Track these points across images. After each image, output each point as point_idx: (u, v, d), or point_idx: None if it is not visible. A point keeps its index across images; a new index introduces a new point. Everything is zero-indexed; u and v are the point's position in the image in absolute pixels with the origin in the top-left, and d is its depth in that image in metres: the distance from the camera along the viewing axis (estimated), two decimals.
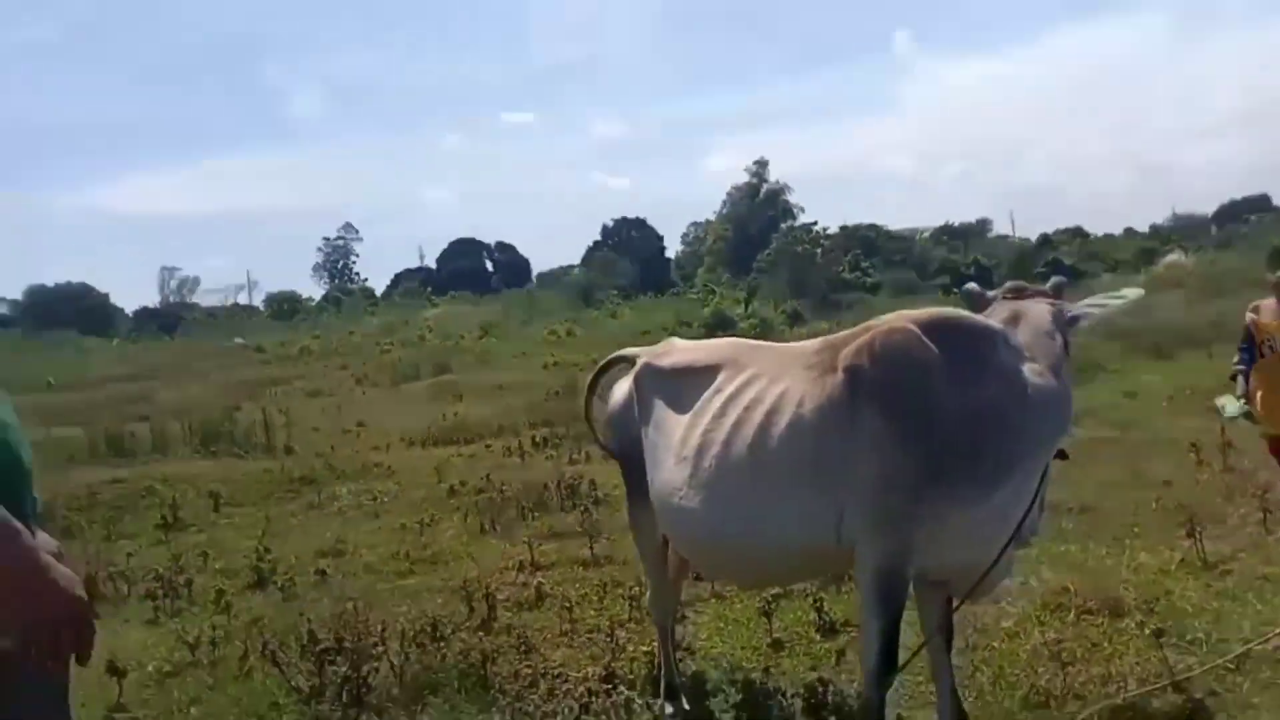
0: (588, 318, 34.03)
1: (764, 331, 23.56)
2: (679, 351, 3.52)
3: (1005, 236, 54.80)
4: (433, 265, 60.44)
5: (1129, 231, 49.13)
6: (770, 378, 3.09)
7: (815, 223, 46.81)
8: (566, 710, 3.54)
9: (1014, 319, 2.91)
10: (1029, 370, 2.78)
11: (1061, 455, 2.85)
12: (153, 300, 57.85)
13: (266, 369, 25.48)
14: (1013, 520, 2.76)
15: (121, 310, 53.35)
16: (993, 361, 2.79)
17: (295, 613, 4.71)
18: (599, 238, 59.36)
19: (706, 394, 3.21)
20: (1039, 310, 2.92)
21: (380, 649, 3.96)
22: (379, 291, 55.90)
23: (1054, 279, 3.18)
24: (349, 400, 17.36)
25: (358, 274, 63.82)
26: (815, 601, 4.35)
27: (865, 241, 44.91)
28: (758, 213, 51.90)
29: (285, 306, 48.51)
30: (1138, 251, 37.12)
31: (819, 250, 41.01)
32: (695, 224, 62.64)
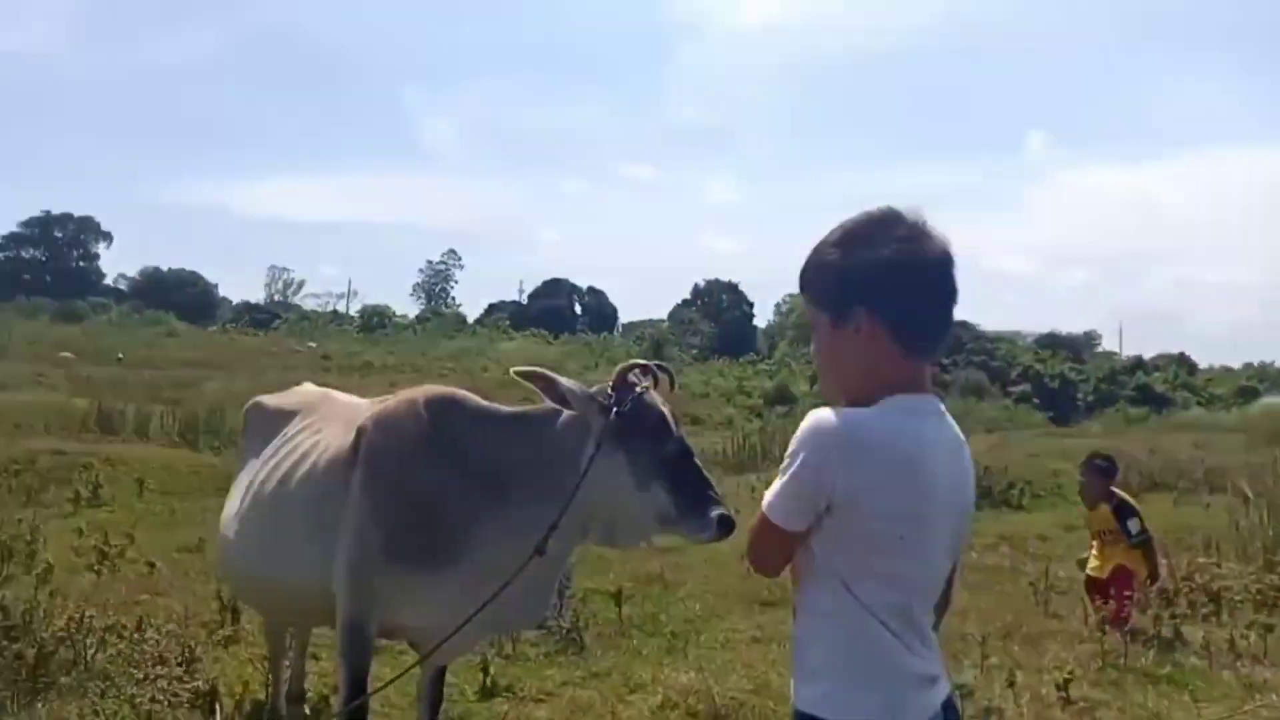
0: None
1: None
2: (283, 395, 3.72)
3: (1112, 353, 52.50)
4: (524, 300, 61.69)
5: (1246, 366, 46.35)
6: (321, 427, 3.21)
7: None
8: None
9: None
10: (521, 463, 2.79)
11: (539, 551, 2.66)
12: (258, 296, 60.74)
13: (324, 376, 26.31)
14: (480, 595, 2.67)
15: (227, 301, 56.23)
16: (480, 448, 2.85)
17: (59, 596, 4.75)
18: (688, 296, 59.63)
19: (277, 437, 3.35)
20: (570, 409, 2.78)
21: (72, 636, 3.98)
22: (471, 318, 57.40)
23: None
24: None
25: (453, 298, 65.69)
26: (483, 664, 4.31)
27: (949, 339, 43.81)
28: None
29: (375, 319, 50.18)
30: (1236, 389, 35.05)
31: None
32: (791, 294, 62.28)
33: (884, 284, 1.57)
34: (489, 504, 2.79)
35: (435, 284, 66.87)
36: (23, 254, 61.20)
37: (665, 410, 2.72)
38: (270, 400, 3.71)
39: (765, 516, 1.57)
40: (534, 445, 2.81)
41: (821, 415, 1.56)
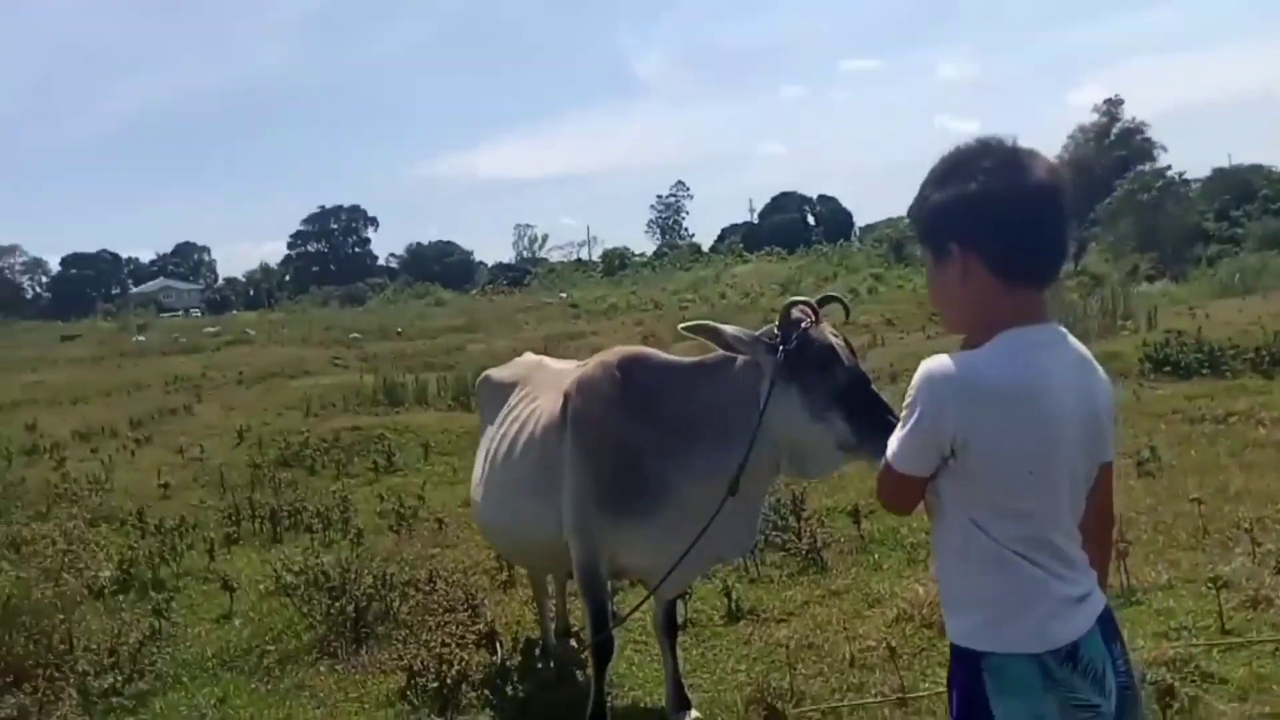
0: (892, 275, 32.83)
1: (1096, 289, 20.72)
2: (506, 368, 4.15)
3: None
4: (755, 220, 61.27)
5: None
6: (536, 395, 3.55)
7: (1168, 167, 40.82)
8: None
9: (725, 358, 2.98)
10: (706, 409, 2.98)
11: (732, 491, 2.84)
12: (508, 256, 64.68)
13: (574, 324, 27.73)
14: (688, 534, 2.89)
15: (483, 264, 60.40)
16: (668, 399, 3.07)
17: (368, 556, 5.56)
18: None
19: (504, 406, 3.74)
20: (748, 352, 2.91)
21: (379, 592, 4.68)
22: (706, 247, 57.92)
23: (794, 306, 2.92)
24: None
25: (686, 229, 66.55)
26: (726, 589, 4.53)
27: (1241, 186, 38.50)
28: (1105, 156, 46.41)
29: (616, 262, 51.98)
30: None
31: (1174, 196, 35.95)
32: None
33: (971, 218, 1.58)
34: (681, 451, 3.02)
35: (668, 218, 68.07)
36: (308, 249, 68.71)
37: (834, 341, 2.79)
38: (496, 373, 4.16)
39: (889, 464, 1.65)
40: (714, 391, 2.98)
41: (934, 364, 1.60)
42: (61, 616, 4.61)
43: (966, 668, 1.59)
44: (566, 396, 3.31)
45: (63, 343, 27.52)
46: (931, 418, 1.57)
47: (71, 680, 4.03)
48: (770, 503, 5.70)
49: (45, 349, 25.73)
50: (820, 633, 4.09)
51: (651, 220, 68.51)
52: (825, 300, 3.10)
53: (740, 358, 2.93)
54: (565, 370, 3.67)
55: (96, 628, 4.72)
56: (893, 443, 1.65)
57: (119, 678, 4.13)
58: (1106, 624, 1.63)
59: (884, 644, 3.62)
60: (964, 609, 1.63)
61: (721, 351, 2.98)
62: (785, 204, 61.17)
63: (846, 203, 62.47)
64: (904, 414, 1.63)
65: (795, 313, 2.84)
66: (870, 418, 2.67)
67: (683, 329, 3.02)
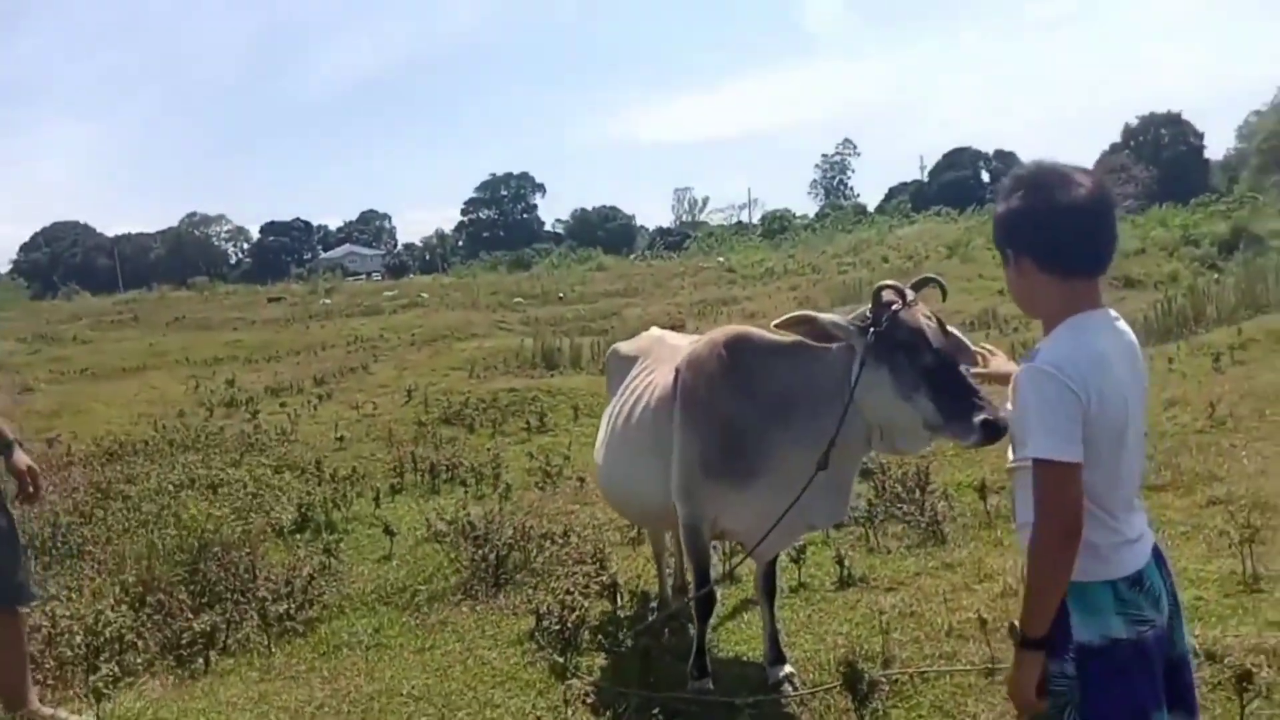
0: None
1: None
2: (632, 341, 4.47)
3: None
4: (925, 179, 59.00)
5: None
6: (654, 369, 3.81)
7: None
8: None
9: (822, 336, 3.12)
10: (803, 387, 3.17)
11: (822, 466, 3.07)
12: (668, 220, 65.17)
13: (729, 289, 27.79)
14: (782, 502, 3.16)
15: (644, 229, 61.16)
16: (768, 378, 3.27)
17: (513, 510, 6.02)
18: (1117, 140, 52.82)
19: (627, 378, 4.02)
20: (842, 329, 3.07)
21: (519, 543, 5.11)
22: (871, 208, 56.40)
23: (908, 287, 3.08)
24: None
25: (851, 189, 64.88)
26: (839, 557, 4.67)
27: None
28: None
29: (775, 224, 51.44)
30: None
31: None
32: (1258, 113, 51.83)
33: (1020, 229, 1.97)
34: (778, 425, 3.24)
35: (832, 178, 66.58)
36: (480, 215, 71.46)
37: (923, 324, 2.91)
38: (623, 346, 4.48)
39: (1050, 464, 1.82)
40: (810, 371, 3.18)
41: (1029, 366, 1.90)
42: (247, 550, 5.29)
43: None
44: (677, 372, 3.58)
45: (268, 304, 30.04)
46: (1061, 395, 1.82)
47: (253, 605, 4.65)
48: (896, 475, 5.77)
49: (245, 311, 28.18)
50: (925, 603, 4.18)
51: (815, 181, 67.30)
52: (923, 282, 3.21)
53: (839, 341, 3.10)
54: (681, 346, 3.91)
55: (276, 561, 5.38)
56: (1042, 444, 1.83)
57: (293, 605, 4.72)
58: (1157, 555, 1.98)
59: (979, 615, 3.69)
60: None
61: (779, 327, 3.21)
62: (958, 160, 58.56)
63: (1025, 158, 59.02)
64: (1027, 416, 1.86)
65: (886, 295, 2.98)
66: (955, 399, 2.81)
67: (776, 324, 3.22)
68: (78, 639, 4.17)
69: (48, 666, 4.04)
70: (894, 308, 2.94)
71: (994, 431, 2.68)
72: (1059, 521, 1.81)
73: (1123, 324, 1.98)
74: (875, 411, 3.01)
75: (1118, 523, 1.89)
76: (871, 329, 2.94)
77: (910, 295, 3.01)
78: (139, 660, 4.21)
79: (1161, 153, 50.40)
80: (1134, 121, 53.57)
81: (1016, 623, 1.90)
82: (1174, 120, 53.21)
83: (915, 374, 2.87)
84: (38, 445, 9.22)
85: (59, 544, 5.71)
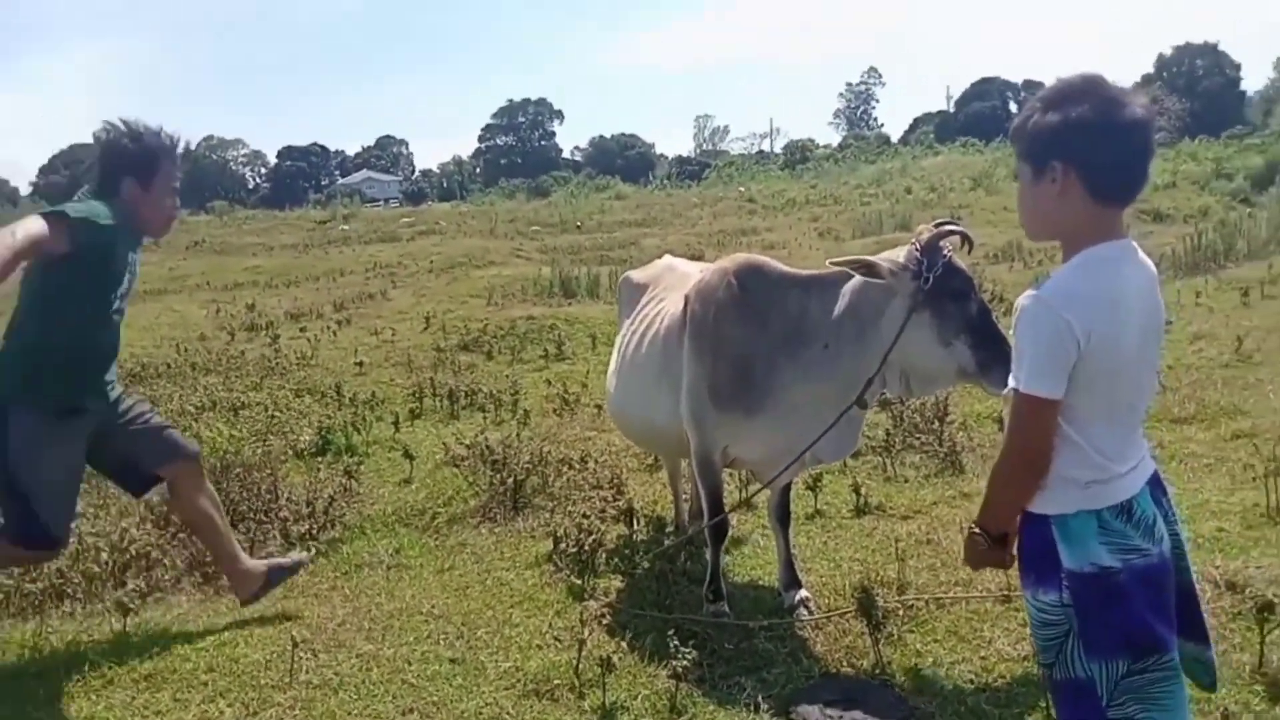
0: None
1: None
2: (643, 269, 4.40)
3: None
4: (951, 109, 57.73)
5: None
6: (665, 297, 3.77)
7: None
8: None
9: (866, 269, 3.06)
10: (815, 321, 3.17)
11: (861, 404, 3.11)
12: (688, 149, 64.28)
13: (750, 219, 27.48)
14: (791, 432, 3.21)
15: (664, 158, 60.36)
16: (780, 309, 3.23)
17: (531, 436, 6.06)
18: (1150, 70, 51.38)
19: (638, 305, 3.98)
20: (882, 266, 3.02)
21: (537, 467, 5.15)
22: (895, 138, 55.39)
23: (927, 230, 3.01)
24: (798, 254, 18.39)
25: (875, 119, 63.63)
26: (855, 486, 4.67)
27: None
28: None
29: (797, 154, 50.64)
30: None
31: None
32: None
33: (1078, 141, 1.80)
34: (788, 358, 3.22)
35: (856, 107, 65.26)
36: (497, 142, 70.70)
37: (969, 271, 2.93)
38: (634, 275, 4.42)
39: (1028, 397, 1.80)
40: (826, 305, 3.17)
41: (1033, 293, 1.82)
42: (269, 471, 5.34)
43: (1039, 528, 1.88)
44: (687, 300, 3.54)
45: (283, 229, 29.99)
46: (1055, 331, 1.77)
47: (275, 524, 4.72)
48: (914, 406, 5.74)
49: (264, 236, 28.14)
50: (942, 531, 4.19)
51: (839, 111, 66.02)
52: (946, 229, 3.15)
53: (856, 278, 3.07)
54: (691, 274, 3.87)
55: (297, 483, 5.45)
56: (1022, 377, 1.80)
57: (314, 525, 4.79)
58: (1155, 484, 1.94)
59: None
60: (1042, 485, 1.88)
61: (836, 267, 3.11)
62: (986, 91, 57.12)
63: None
64: (1020, 345, 1.82)
65: (941, 242, 2.94)
66: (993, 349, 2.84)
67: (831, 263, 3.15)
68: (104, 556, 4.25)
69: (76, 581, 4.12)
70: (947, 253, 2.90)
71: None
72: (1024, 454, 1.86)
73: (1143, 255, 1.90)
74: (908, 355, 2.99)
75: (1106, 459, 1.84)
76: (926, 274, 2.89)
77: (973, 239, 3.00)
78: (165, 577, 4.28)
79: (1196, 84, 49.02)
80: (1168, 51, 52.13)
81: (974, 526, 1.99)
82: (1210, 51, 51.64)
83: (960, 321, 2.89)
84: None
85: None
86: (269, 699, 3.08)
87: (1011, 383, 1.84)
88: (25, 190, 73.62)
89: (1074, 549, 1.83)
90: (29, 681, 3.25)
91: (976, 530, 1.97)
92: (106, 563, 4.22)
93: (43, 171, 79.38)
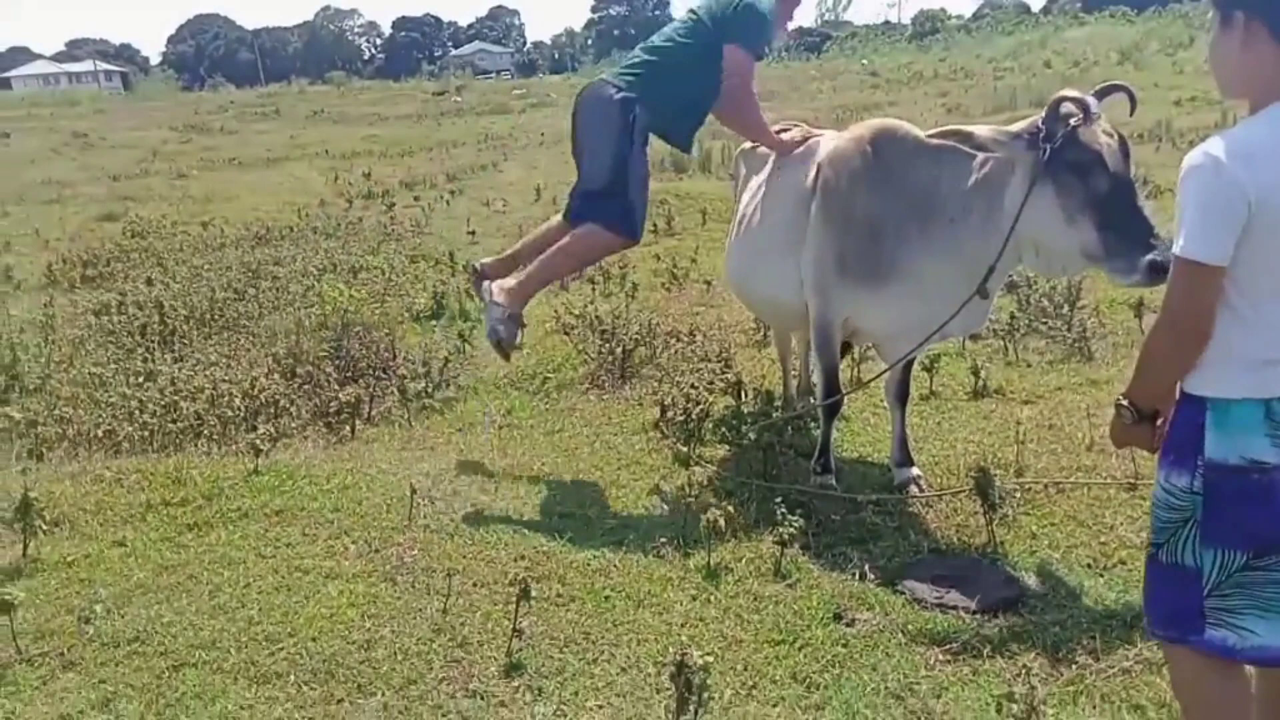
0: None
1: None
2: None
3: None
4: None
5: None
6: (790, 167, 3.59)
7: None
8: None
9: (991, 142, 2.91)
10: (948, 193, 3.01)
11: (982, 294, 3.00)
12: (808, 19, 61.20)
13: (873, 94, 26.22)
14: (917, 305, 3.12)
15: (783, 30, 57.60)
16: (914, 179, 3.08)
17: (639, 308, 6.04)
18: None
19: (760, 174, 3.82)
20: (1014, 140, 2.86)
21: (645, 339, 5.15)
22: (1036, 6, 51.46)
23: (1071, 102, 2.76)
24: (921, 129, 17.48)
25: None
26: (974, 368, 4.49)
27: None
28: None
29: (927, 25, 47.68)
30: None
31: None
32: None
33: None
34: (919, 229, 3.08)
35: None
36: (610, 12, 68.83)
37: (1103, 143, 2.69)
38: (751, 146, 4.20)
39: (1185, 262, 1.65)
40: (959, 177, 3.00)
41: (1202, 148, 1.65)
42: (386, 331, 5.51)
43: (1192, 408, 1.74)
44: (819, 167, 3.39)
45: (398, 100, 30.21)
46: (1223, 190, 1.62)
47: (393, 381, 4.88)
48: (1043, 289, 5.46)
49: (380, 106, 28.42)
50: (1066, 416, 4.02)
51: None
52: (1108, 90, 2.89)
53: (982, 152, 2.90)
54: (821, 142, 3.68)
55: (413, 344, 5.60)
56: (1182, 234, 1.66)
57: (430, 384, 4.93)
58: None
59: None
60: (1203, 363, 1.72)
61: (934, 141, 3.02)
62: None
63: None
64: (1184, 205, 1.66)
65: (1064, 108, 2.72)
66: (1124, 233, 2.63)
67: (929, 135, 3.05)
68: (237, 401, 4.49)
69: (212, 424, 4.38)
70: (1072, 122, 2.67)
71: (1160, 275, 2.47)
72: (1177, 326, 1.71)
73: None
74: (1032, 230, 2.84)
75: (1270, 342, 1.67)
76: (1045, 144, 2.71)
77: (1095, 108, 2.72)
78: (293, 424, 4.51)
79: None
80: None
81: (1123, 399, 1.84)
82: None
83: (1084, 198, 2.69)
84: (194, 228, 9.75)
85: (215, 317, 6.10)
86: (389, 539, 3.23)
87: (1173, 248, 1.69)
88: (155, 59, 75.99)
89: (1226, 438, 1.70)
90: (173, 509, 3.50)
91: (1125, 403, 1.84)
92: (239, 408, 4.47)
93: (170, 41, 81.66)
